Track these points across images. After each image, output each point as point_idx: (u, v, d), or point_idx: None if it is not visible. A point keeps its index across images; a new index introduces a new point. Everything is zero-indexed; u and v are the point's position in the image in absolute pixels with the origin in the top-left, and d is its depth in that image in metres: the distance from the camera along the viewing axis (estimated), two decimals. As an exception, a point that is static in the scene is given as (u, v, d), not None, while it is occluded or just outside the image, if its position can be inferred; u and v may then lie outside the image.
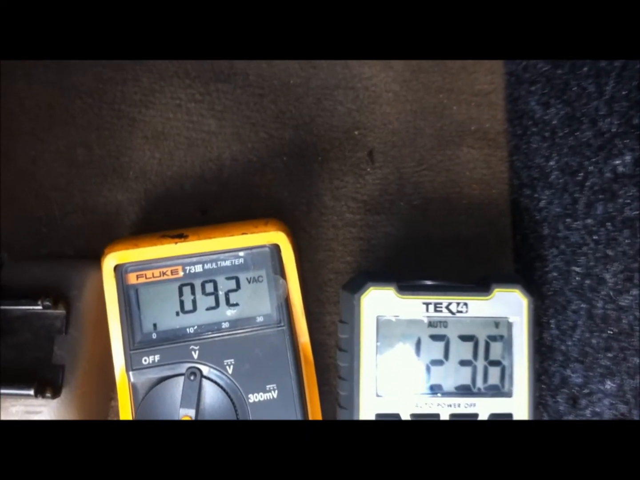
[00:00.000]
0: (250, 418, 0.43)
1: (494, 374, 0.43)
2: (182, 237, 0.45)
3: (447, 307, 0.43)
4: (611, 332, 0.40)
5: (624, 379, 0.39)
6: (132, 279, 0.44)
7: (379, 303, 0.43)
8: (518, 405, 0.43)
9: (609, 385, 0.40)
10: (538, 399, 0.43)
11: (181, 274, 0.44)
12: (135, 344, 0.43)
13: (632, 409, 0.38)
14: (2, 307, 0.44)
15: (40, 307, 0.43)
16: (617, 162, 0.41)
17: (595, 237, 0.42)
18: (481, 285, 0.44)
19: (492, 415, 0.43)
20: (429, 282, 0.44)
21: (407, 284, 0.43)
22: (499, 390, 0.43)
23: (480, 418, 0.43)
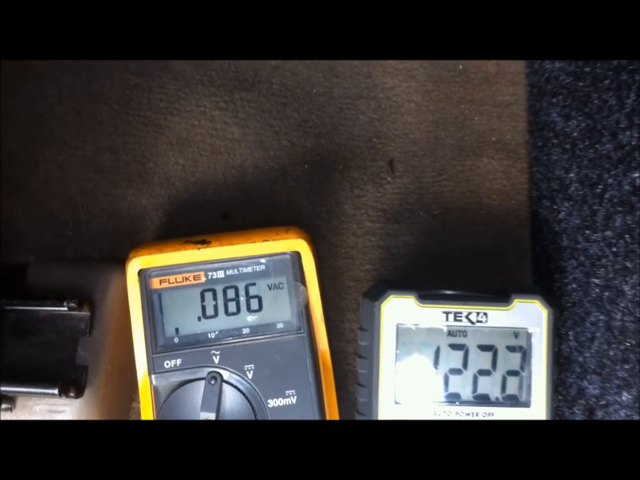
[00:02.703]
0: (270, 423, 0.43)
1: (512, 384, 0.44)
2: (204, 243, 0.45)
3: (466, 317, 0.44)
4: (629, 344, 0.40)
5: None
6: (155, 283, 0.45)
7: (399, 311, 0.43)
8: (536, 416, 0.43)
9: (625, 397, 0.40)
10: (555, 410, 0.44)
11: (203, 279, 0.45)
12: (158, 348, 0.44)
13: (650, 421, 0.38)
14: (28, 308, 0.45)
15: (65, 309, 0.44)
16: (636, 174, 0.42)
17: (614, 249, 0.42)
18: (501, 296, 0.44)
19: (510, 425, 0.43)
20: (449, 292, 0.44)
21: (428, 293, 0.44)
22: (517, 401, 0.43)
23: (497, 427, 0.43)
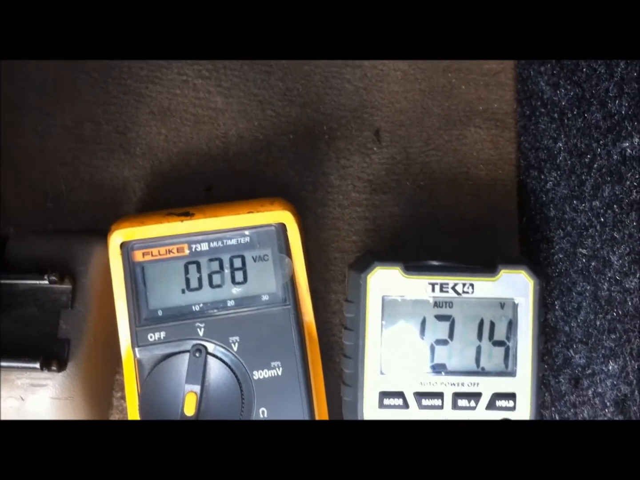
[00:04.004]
0: (255, 394, 0.43)
1: (498, 354, 0.44)
2: (188, 215, 0.45)
3: (453, 288, 0.43)
4: (615, 314, 0.40)
5: (627, 360, 0.39)
6: (138, 256, 0.44)
7: (385, 283, 0.43)
8: (521, 385, 0.43)
9: (611, 366, 0.40)
10: (541, 379, 0.44)
11: (187, 252, 0.44)
12: (141, 321, 0.43)
13: (634, 390, 0.38)
14: (8, 281, 0.44)
15: (46, 282, 0.43)
16: (626, 144, 0.41)
17: (601, 220, 0.42)
18: (487, 266, 0.44)
19: (495, 394, 0.43)
20: (435, 263, 0.44)
21: (413, 264, 0.44)
22: (503, 370, 0.43)
23: (483, 397, 0.43)
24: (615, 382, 0.40)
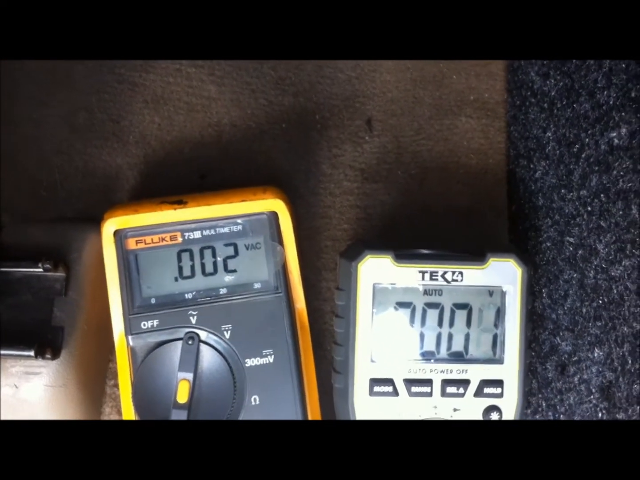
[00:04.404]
0: (247, 382, 0.44)
1: (487, 341, 0.44)
2: (181, 203, 0.45)
3: (442, 276, 0.44)
4: (601, 302, 0.41)
5: (612, 347, 0.40)
6: (131, 244, 0.44)
7: (375, 271, 0.43)
8: (509, 372, 0.44)
9: (597, 353, 0.41)
10: (528, 366, 0.44)
11: (180, 240, 0.45)
12: (135, 309, 0.44)
13: (619, 376, 0.39)
14: (3, 269, 0.45)
15: (40, 270, 0.44)
16: (613, 134, 0.41)
17: (589, 208, 0.42)
18: (476, 255, 0.44)
19: (483, 381, 0.44)
20: (425, 251, 0.45)
21: (404, 253, 0.44)
22: (491, 357, 0.44)
23: (471, 384, 0.44)
24: (600, 369, 0.40)
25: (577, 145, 0.44)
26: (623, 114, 0.40)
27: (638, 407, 0.38)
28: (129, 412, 0.44)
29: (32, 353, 0.42)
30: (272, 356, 0.44)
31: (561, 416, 0.43)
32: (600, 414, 0.40)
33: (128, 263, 0.44)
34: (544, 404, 0.44)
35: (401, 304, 0.44)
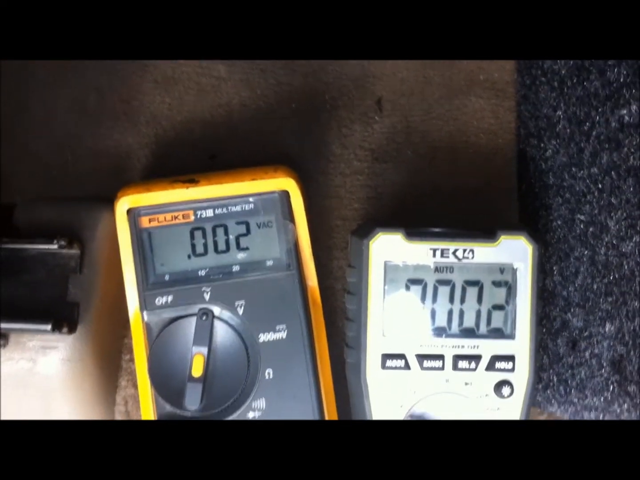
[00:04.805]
0: (261, 356, 0.44)
1: (498, 317, 0.45)
2: (193, 182, 0.45)
3: (453, 253, 0.44)
4: (612, 278, 0.41)
5: (623, 321, 0.40)
6: (144, 222, 0.45)
7: (387, 248, 0.44)
8: (520, 348, 0.44)
9: (608, 328, 0.41)
10: (539, 342, 0.45)
11: (192, 218, 0.45)
12: (149, 285, 0.44)
13: (630, 350, 0.39)
14: (18, 246, 0.45)
15: (55, 247, 0.44)
16: (624, 112, 0.42)
17: (599, 186, 0.42)
18: (487, 233, 0.44)
19: (494, 357, 0.44)
20: (436, 229, 0.45)
21: (415, 231, 0.44)
22: (502, 333, 0.44)
23: (483, 359, 0.44)
24: (611, 343, 0.41)
25: (587, 124, 0.45)
26: (633, 91, 0.41)
27: (650, 379, 0.38)
28: (144, 386, 0.45)
29: (49, 327, 0.43)
30: (285, 332, 0.45)
31: (572, 390, 0.43)
32: (611, 387, 0.40)
33: (142, 241, 0.45)
34: (555, 379, 0.45)
35: (412, 281, 0.44)
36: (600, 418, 0.42)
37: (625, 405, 0.40)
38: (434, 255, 0.44)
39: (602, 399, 0.42)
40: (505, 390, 0.44)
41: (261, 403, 0.44)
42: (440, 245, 0.44)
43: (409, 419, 0.44)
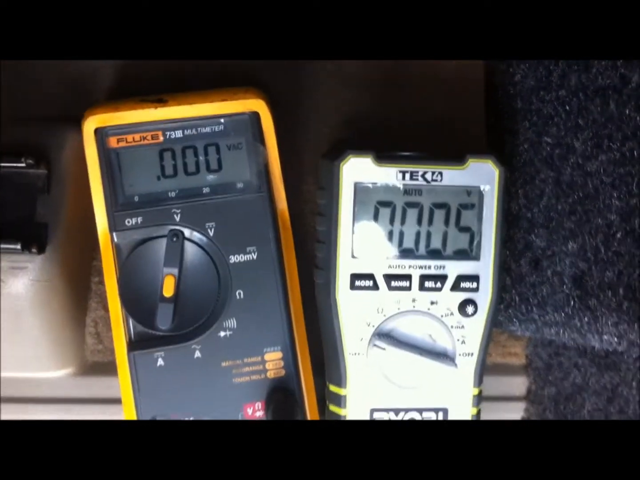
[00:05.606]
0: (231, 277, 0.45)
1: (464, 239, 0.46)
2: (161, 101, 0.45)
3: (422, 176, 0.45)
4: (576, 197, 0.42)
5: (586, 238, 0.41)
6: (112, 142, 0.44)
7: (357, 170, 0.44)
8: (484, 268, 0.46)
9: (571, 245, 0.42)
10: (503, 263, 0.46)
11: (161, 139, 0.45)
12: (118, 206, 0.44)
13: (591, 266, 0.41)
14: (-18, 166, 0.44)
15: (23, 165, 0.44)
16: None
17: (567, 108, 0.43)
18: (456, 156, 0.45)
19: (459, 277, 0.45)
20: (405, 153, 0.45)
21: (385, 154, 0.45)
22: (467, 255, 0.46)
23: (449, 279, 0.45)
24: (573, 260, 0.42)
25: (556, 46, 0.45)
26: None
27: (609, 292, 0.40)
28: (115, 307, 0.45)
29: (18, 246, 0.42)
30: (255, 253, 0.45)
31: (534, 308, 0.45)
32: (572, 302, 0.42)
33: (110, 161, 0.44)
34: (517, 299, 0.47)
35: (382, 203, 0.45)
36: (561, 333, 0.44)
37: (586, 319, 0.42)
38: (403, 177, 0.45)
39: (562, 315, 0.43)
40: (470, 309, 0.46)
41: (232, 322, 0.45)
42: (409, 167, 0.45)
43: (376, 337, 0.45)
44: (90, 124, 0.44)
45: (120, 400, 0.45)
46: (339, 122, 0.52)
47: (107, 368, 0.49)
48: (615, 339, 0.41)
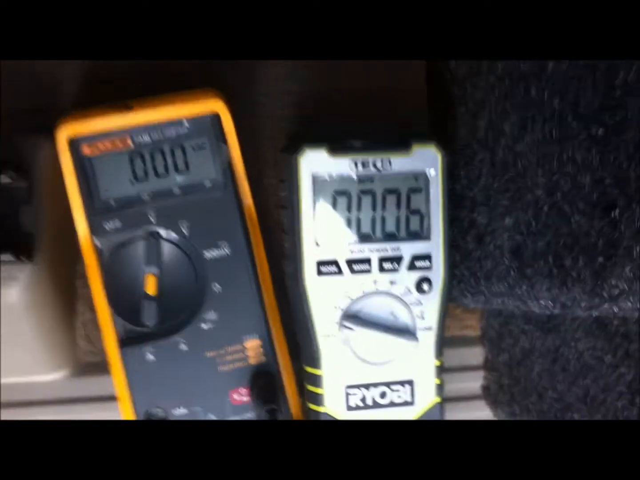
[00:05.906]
0: (208, 272, 0.48)
1: (415, 221, 0.50)
2: (127, 107, 0.47)
3: (373, 165, 0.48)
4: (509, 176, 0.47)
5: (519, 214, 0.46)
6: (85, 150, 0.46)
7: (313, 163, 0.47)
8: (435, 247, 0.50)
9: (507, 220, 0.47)
10: (451, 241, 0.50)
11: (130, 144, 0.47)
12: (96, 211, 0.47)
13: (525, 238, 0.46)
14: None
15: (8, 180, 0.46)
16: None
17: (496, 93, 0.47)
18: (402, 144, 0.49)
19: (414, 256, 0.49)
20: (356, 143, 0.49)
21: (337, 145, 0.48)
22: (419, 235, 0.50)
23: (404, 260, 0.49)
24: (511, 234, 0.47)
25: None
26: None
27: (542, 261, 0.45)
28: (102, 308, 0.48)
29: (12, 258, 0.45)
30: (228, 247, 0.48)
31: (482, 280, 0.49)
32: (512, 272, 0.47)
33: (84, 169, 0.46)
34: (466, 273, 0.50)
35: (338, 192, 0.48)
36: (506, 302, 0.49)
37: (525, 287, 0.46)
38: (356, 166, 0.48)
39: (506, 285, 0.48)
40: (425, 286, 0.50)
41: (212, 314, 0.48)
42: (360, 157, 0.48)
43: (344, 319, 0.49)
44: (63, 134, 0.46)
45: (115, 397, 0.48)
46: (294, 116, 0.55)
47: (100, 367, 0.52)
48: (550, 303, 0.46)
